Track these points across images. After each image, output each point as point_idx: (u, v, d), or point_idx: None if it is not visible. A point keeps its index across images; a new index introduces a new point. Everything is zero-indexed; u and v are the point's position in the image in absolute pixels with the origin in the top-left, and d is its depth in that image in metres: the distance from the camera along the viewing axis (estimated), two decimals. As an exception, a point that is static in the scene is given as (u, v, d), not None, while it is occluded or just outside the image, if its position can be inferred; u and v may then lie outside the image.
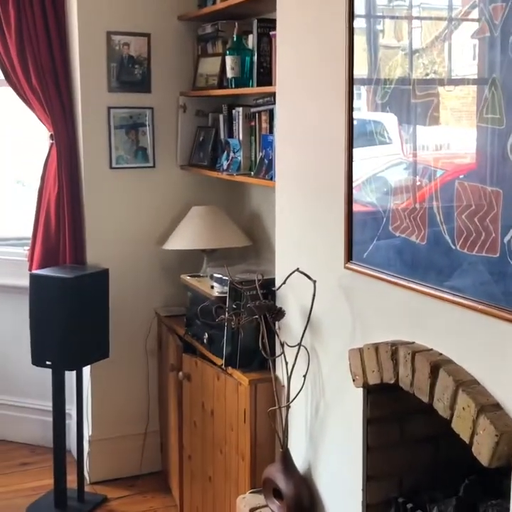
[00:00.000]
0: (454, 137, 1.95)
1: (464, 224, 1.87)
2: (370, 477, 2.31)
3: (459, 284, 1.90)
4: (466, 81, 1.89)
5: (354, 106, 2.29)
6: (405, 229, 2.10)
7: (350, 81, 2.29)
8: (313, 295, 2.52)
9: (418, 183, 2.05)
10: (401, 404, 2.26)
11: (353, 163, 2.31)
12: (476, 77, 1.84)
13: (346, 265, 2.36)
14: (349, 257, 2.35)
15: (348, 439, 2.41)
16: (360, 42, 2.26)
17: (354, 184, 2.31)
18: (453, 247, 1.91)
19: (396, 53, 2.11)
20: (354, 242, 2.33)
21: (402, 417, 2.31)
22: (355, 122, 2.30)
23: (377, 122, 2.24)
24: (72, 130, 3.79)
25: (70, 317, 3.42)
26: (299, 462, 2.71)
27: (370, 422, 2.29)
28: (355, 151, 2.30)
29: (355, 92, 2.30)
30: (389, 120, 2.18)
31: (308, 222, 2.66)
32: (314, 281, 2.51)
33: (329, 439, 2.57)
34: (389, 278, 2.16)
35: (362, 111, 2.30)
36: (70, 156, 3.77)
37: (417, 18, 2.06)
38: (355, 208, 2.33)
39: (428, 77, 1.99)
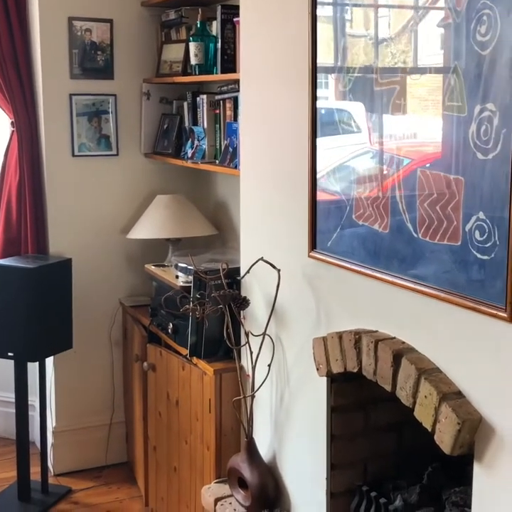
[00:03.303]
0: (420, 126, 1.95)
1: (426, 212, 1.87)
2: (334, 465, 2.32)
3: (422, 273, 1.90)
4: (431, 69, 1.88)
5: (321, 95, 2.27)
6: (368, 217, 2.09)
7: (314, 69, 2.27)
8: (278, 284, 2.51)
9: (385, 172, 2.04)
10: (365, 392, 2.27)
11: (317, 151, 2.29)
12: (441, 65, 1.84)
13: (310, 254, 2.35)
14: (313, 245, 2.34)
15: (312, 428, 2.41)
16: (326, 30, 2.24)
17: (320, 173, 2.30)
18: (415, 235, 1.91)
19: (361, 41, 2.10)
20: (318, 231, 2.32)
21: (366, 406, 2.31)
22: (322, 111, 2.28)
23: (343, 111, 2.23)
24: (33, 117, 3.73)
25: (32, 308, 3.37)
26: (264, 451, 2.71)
27: (334, 410, 2.29)
28: (321, 140, 2.28)
29: (322, 81, 2.28)
30: (356, 109, 2.17)
31: (272, 211, 2.64)
32: (278, 270, 2.49)
33: (294, 428, 2.57)
34: (352, 266, 2.15)
35: (329, 100, 2.29)
36: (31, 143, 3.71)
37: (384, 6, 2.04)
38: (319, 196, 2.31)
39: (395, 66, 1.98)
